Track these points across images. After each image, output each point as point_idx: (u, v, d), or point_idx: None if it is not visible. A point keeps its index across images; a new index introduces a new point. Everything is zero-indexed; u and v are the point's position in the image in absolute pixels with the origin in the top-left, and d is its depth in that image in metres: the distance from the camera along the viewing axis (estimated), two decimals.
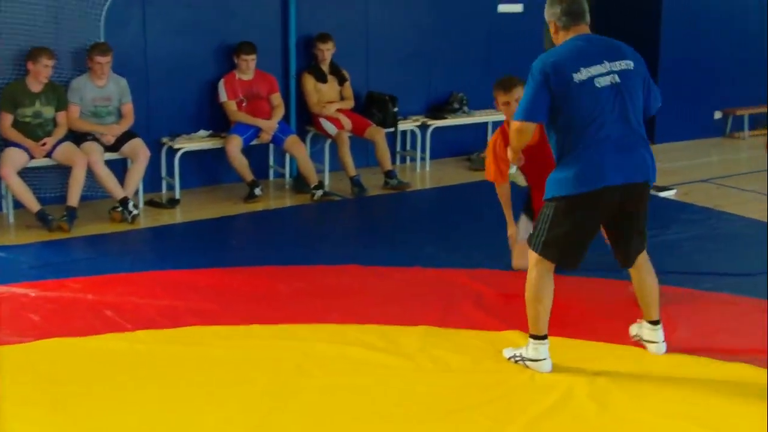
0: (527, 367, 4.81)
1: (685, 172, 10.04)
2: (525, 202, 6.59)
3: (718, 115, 12.72)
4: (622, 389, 4.63)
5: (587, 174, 4.59)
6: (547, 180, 4.78)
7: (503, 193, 6.45)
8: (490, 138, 6.38)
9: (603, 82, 4.62)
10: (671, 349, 5.09)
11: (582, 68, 4.61)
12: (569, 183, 4.62)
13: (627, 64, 4.70)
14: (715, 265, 6.73)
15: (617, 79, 4.64)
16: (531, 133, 4.80)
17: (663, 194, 8.94)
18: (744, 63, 12.76)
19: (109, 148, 8.07)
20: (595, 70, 4.62)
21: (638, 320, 5.17)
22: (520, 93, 5.49)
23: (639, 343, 5.14)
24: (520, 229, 6.44)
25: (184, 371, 4.83)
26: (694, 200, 8.75)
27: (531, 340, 4.84)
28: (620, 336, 5.23)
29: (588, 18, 4.82)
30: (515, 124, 4.77)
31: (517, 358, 4.88)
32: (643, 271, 5.02)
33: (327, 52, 9.35)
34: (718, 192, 9.20)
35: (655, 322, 5.06)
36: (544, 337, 4.81)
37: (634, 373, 4.83)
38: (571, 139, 4.64)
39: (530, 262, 4.84)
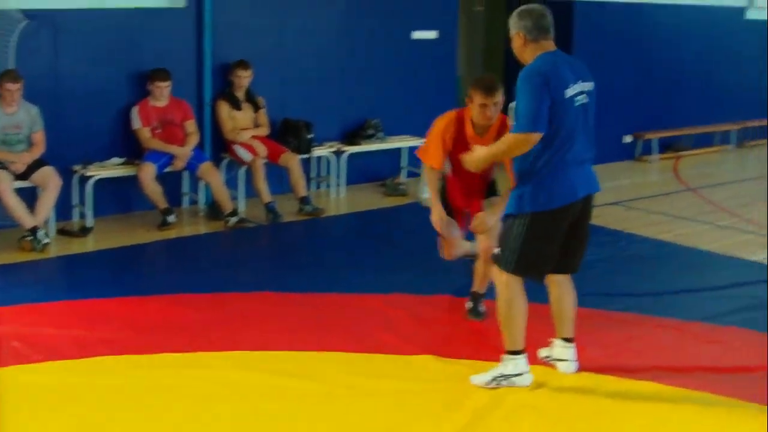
0: (512, 384, 4.88)
1: (596, 194, 10.19)
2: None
3: (627, 139, 13.00)
4: (532, 409, 4.70)
5: (562, 190, 4.72)
6: (512, 194, 4.85)
7: (433, 178, 5.95)
8: (438, 120, 5.81)
9: (580, 100, 4.73)
10: (580, 368, 5.19)
11: (570, 84, 4.69)
12: (543, 199, 4.71)
13: (591, 86, 4.83)
14: (623, 286, 6.88)
15: (587, 99, 4.77)
16: (532, 145, 4.67)
17: None
18: (653, 88, 13.08)
19: (18, 177, 7.96)
20: (574, 88, 4.71)
21: (549, 340, 5.25)
22: (500, 98, 5.53)
23: (548, 363, 5.22)
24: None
25: (92, 402, 4.76)
26: (605, 223, 8.90)
27: (510, 356, 4.91)
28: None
29: (553, 33, 4.86)
30: (519, 137, 4.64)
31: (500, 380, 4.91)
32: (564, 287, 5.14)
33: (245, 79, 9.34)
34: (627, 214, 9.39)
35: (568, 340, 5.16)
36: (521, 351, 4.91)
37: (543, 393, 4.91)
38: (548, 155, 4.68)
39: (500, 280, 4.88)
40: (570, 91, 4.66)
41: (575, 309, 5.18)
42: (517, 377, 4.91)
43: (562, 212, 4.76)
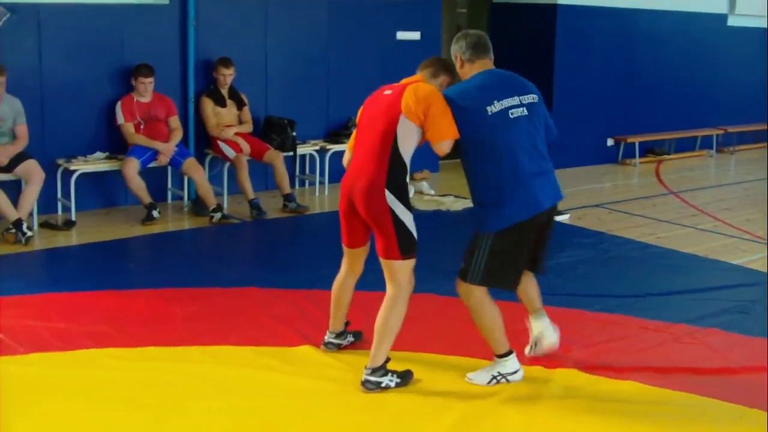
0: (508, 381, 4.99)
1: (578, 197, 10.26)
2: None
3: (610, 142, 13.07)
4: (517, 409, 4.72)
5: (525, 204, 4.80)
6: (475, 213, 4.92)
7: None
8: (434, 91, 4.85)
9: (516, 113, 4.80)
10: (566, 366, 5.24)
11: (495, 101, 4.77)
12: (507, 215, 4.78)
13: (533, 98, 4.92)
14: (606, 287, 6.91)
15: (526, 111, 4.84)
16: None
17: (557, 218, 9.09)
18: (634, 93, 13.17)
19: (2, 170, 7.93)
20: (508, 102, 4.80)
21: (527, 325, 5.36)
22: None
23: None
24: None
25: (76, 394, 4.75)
26: (587, 224, 8.96)
27: (501, 359, 5.01)
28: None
29: (492, 53, 5.03)
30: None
31: (498, 378, 5.00)
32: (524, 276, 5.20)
33: (229, 77, 9.35)
34: (609, 216, 9.43)
35: (539, 309, 5.30)
36: (511, 351, 5.02)
37: (528, 393, 4.93)
38: (492, 170, 4.77)
39: (468, 293, 4.92)
40: (497, 106, 4.75)
41: (538, 287, 5.31)
42: (514, 375, 5.03)
43: (527, 224, 4.84)
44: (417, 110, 4.73)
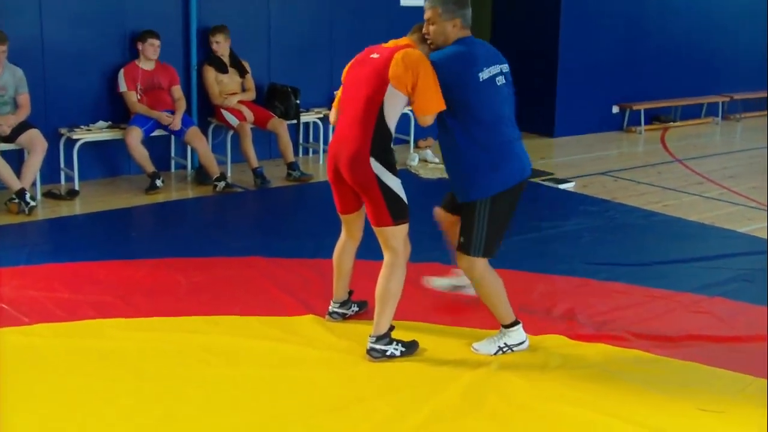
0: (514, 352, 4.99)
1: (583, 164, 10.22)
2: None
3: (615, 109, 13.01)
4: (523, 378, 4.71)
5: (514, 168, 4.83)
6: (469, 182, 4.83)
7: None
8: (422, 58, 4.74)
9: (500, 81, 4.81)
10: (572, 335, 5.24)
11: (485, 68, 4.74)
12: (502, 179, 4.79)
13: (507, 68, 4.92)
14: (611, 255, 6.89)
15: (504, 80, 4.85)
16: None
17: (562, 186, 9.11)
18: (640, 60, 13.09)
19: (4, 139, 7.90)
20: (494, 70, 4.79)
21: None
22: None
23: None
24: None
25: (83, 364, 4.75)
26: (592, 192, 8.93)
27: (507, 329, 5.02)
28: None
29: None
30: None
31: (504, 349, 5.00)
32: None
33: (218, 44, 9.27)
34: (615, 184, 9.40)
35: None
36: (517, 321, 5.02)
37: (533, 362, 4.93)
38: (484, 136, 4.76)
39: (471, 266, 4.89)
40: (485, 73, 4.73)
41: None
42: (520, 345, 5.03)
43: (518, 187, 4.87)
44: (405, 80, 4.65)
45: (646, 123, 13.06)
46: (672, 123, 13.50)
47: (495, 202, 4.79)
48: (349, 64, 5.04)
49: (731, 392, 4.65)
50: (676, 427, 4.26)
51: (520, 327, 5.04)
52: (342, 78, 5.04)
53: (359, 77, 4.82)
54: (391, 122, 4.74)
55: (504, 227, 4.92)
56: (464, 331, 5.29)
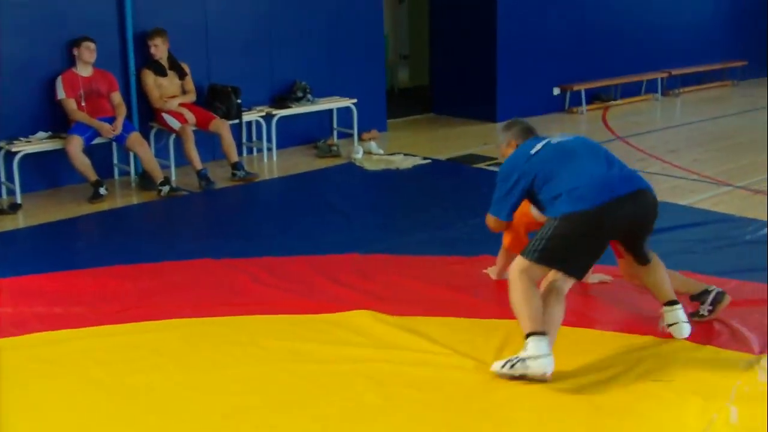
0: (526, 368, 4.52)
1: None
2: None
3: (556, 91, 13.11)
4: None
5: (593, 192, 4.82)
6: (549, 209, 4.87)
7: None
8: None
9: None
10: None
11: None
12: (575, 202, 4.79)
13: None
14: None
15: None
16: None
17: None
18: (579, 40, 13.20)
19: None
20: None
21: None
22: None
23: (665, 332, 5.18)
24: None
25: (32, 377, 4.71)
26: None
27: (530, 338, 4.58)
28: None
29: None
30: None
31: (513, 361, 4.56)
32: (652, 267, 5.28)
33: (156, 48, 9.22)
34: None
35: (671, 303, 5.16)
36: (532, 334, 4.58)
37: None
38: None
39: (517, 268, 4.73)
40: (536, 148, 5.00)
41: (667, 277, 5.22)
42: (533, 360, 4.52)
43: (594, 213, 4.68)
44: None
45: (587, 103, 13.17)
46: (613, 101, 13.64)
47: (563, 221, 4.69)
48: None
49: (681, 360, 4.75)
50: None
51: (543, 340, 4.57)
52: None
53: None
54: None
55: (571, 245, 4.72)
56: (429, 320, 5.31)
